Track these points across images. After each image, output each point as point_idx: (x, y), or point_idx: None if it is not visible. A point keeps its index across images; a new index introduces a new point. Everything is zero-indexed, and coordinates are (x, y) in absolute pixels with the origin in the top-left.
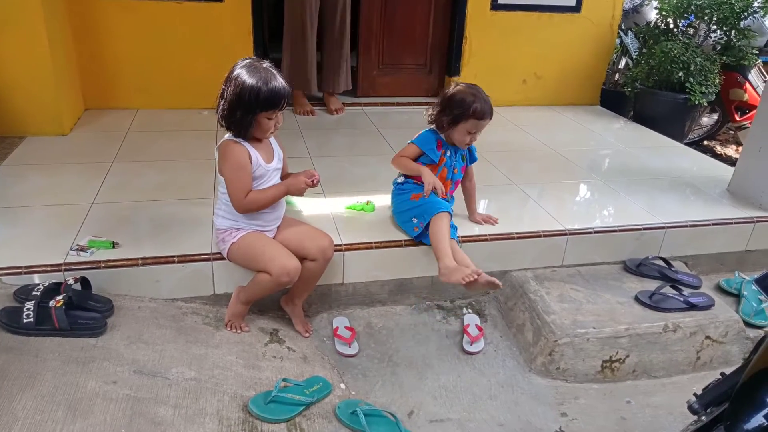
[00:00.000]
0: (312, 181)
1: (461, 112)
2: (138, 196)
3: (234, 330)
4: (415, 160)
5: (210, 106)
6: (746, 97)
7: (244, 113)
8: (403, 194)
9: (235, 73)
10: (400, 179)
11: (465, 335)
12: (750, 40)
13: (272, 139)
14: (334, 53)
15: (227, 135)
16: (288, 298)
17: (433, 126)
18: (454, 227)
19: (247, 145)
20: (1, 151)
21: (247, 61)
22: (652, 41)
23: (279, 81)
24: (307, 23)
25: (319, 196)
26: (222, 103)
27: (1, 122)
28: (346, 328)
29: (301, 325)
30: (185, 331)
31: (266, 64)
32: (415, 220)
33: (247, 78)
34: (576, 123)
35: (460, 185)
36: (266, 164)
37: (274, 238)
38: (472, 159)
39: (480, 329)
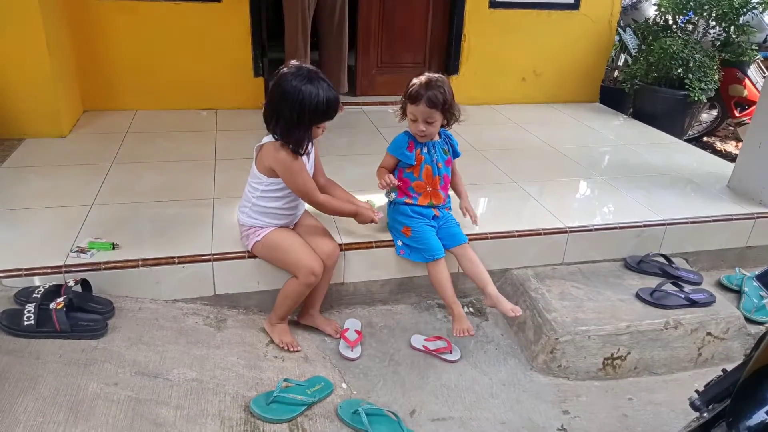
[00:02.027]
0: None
1: (404, 97)
2: (138, 197)
3: (290, 350)
4: (396, 166)
5: (208, 107)
6: (746, 93)
7: (306, 128)
8: (394, 213)
9: (290, 87)
10: (391, 195)
11: (442, 353)
12: (749, 35)
13: None
14: (334, 54)
15: (269, 137)
16: (304, 315)
17: (399, 117)
18: (457, 226)
19: None
20: (0, 152)
21: (297, 70)
22: (651, 38)
23: (332, 89)
24: (305, 24)
25: None
26: (277, 118)
27: (0, 124)
28: (356, 330)
29: (329, 328)
30: (186, 332)
31: (312, 68)
32: (400, 243)
33: (305, 87)
34: (575, 120)
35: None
36: (307, 161)
37: None
38: (455, 154)
39: (447, 341)
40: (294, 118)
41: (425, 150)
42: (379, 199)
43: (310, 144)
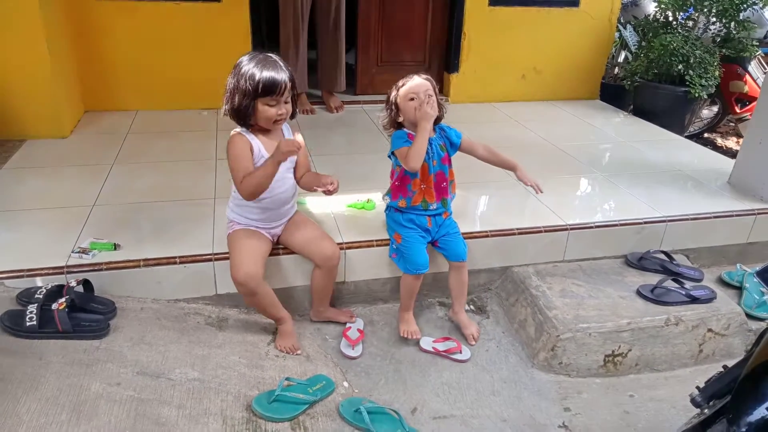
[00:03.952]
0: (293, 145)
1: (394, 95)
2: (139, 197)
3: (290, 352)
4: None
5: (209, 106)
6: (746, 88)
7: (242, 99)
8: (390, 217)
9: (237, 61)
10: (386, 198)
11: (453, 353)
12: (749, 31)
13: (287, 134)
14: (330, 52)
15: (234, 129)
16: (314, 312)
17: (389, 123)
18: (462, 243)
19: (250, 136)
20: (1, 154)
21: (253, 52)
22: (651, 34)
23: (277, 69)
24: (298, 22)
25: (320, 194)
26: (225, 92)
27: (1, 125)
28: (357, 329)
29: (344, 317)
30: (188, 331)
31: (271, 54)
32: (394, 246)
33: (245, 65)
34: (576, 117)
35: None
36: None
37: (279, 238)
38: (454, 146)
39: (456, 341)
40: (234, 87)
41: None
42: (378, 199)
43: (251, 116)
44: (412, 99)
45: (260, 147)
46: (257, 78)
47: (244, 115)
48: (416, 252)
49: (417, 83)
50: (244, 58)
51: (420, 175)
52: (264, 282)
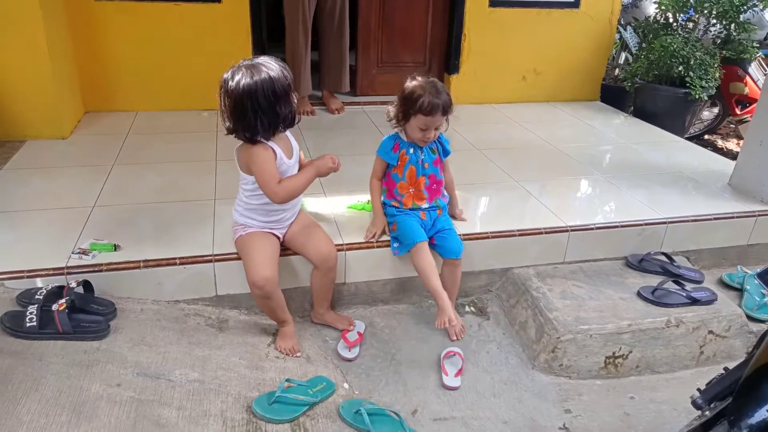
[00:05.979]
0: (335, 164)
1: (409, 107)
2: (139, 198)
3: (289, 354)
4: (385, 170)
5: (209, 107)
6: (747, 90)
7: (284, 106)
8: (387, 215)
9: (242, 85)
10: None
11: (445, 373)
12: (750, 33)
13: (289, 135)
14: (334, 53)
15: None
16: (314, 314)
17: (394, 124)
18: (456, 242)
19: (271, 143)
20: (1, 155)
21: (239, 66)
22: (651, 36)
23: (276, 66)
24: (306, 24)
25: (320, 195)
26: (236, 123)
27: (2, 126)
28: (357, 332)
29: (341, 323)
30: (188, 332)
31: (246, 61)
32: (396, 244)
33: (260, 80)
34: (576, 119)
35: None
36: (288, 160)
37: (284, 236)
38: (446, 152)
39: (459, 356)
40: (269, 103)
41: (411, 150)
42: None
43: (295, 118)
44: (424, 129)
45: (281, 152)
46: (289, 79)
47: (275, 125)
48: (410, 227)
49: (435, 119)
50: (242, 79)
51: (407, 178)
52: (278, 285)
